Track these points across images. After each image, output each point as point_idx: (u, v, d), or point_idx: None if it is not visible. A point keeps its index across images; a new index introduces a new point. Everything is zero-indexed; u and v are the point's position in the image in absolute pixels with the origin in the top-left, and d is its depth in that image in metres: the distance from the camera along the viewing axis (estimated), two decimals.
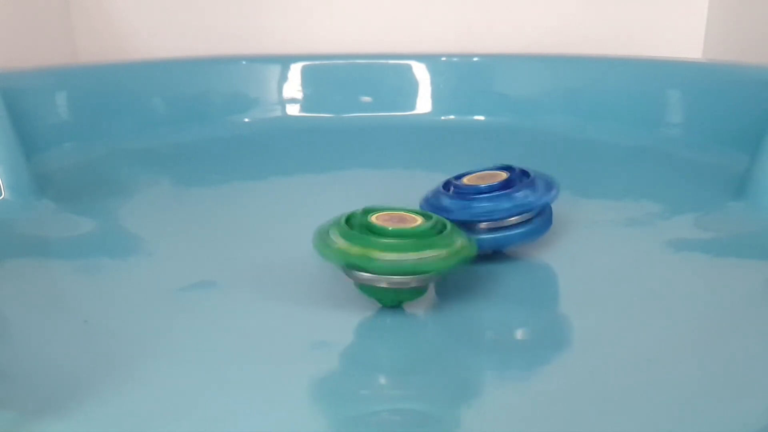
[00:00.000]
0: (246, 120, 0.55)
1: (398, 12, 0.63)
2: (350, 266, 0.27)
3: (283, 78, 0.56)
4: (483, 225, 0.32)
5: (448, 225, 0.28)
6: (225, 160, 0.51)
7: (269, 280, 0.32)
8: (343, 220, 0.28)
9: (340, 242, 0.26)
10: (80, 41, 0.62)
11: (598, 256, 0.35)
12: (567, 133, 0.53)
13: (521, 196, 0.32)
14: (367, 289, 0.28)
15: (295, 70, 0.56)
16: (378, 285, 0.27)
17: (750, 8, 0.56)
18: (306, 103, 0.56)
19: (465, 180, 0.34)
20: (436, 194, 0.33)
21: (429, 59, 0.57)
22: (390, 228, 0.27)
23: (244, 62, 0.57)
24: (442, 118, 0.56)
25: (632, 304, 0.29)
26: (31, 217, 0.39)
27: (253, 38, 0.62)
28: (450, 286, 0.31)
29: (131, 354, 0.26)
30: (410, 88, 0.57)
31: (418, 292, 0.28)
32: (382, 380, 0.25)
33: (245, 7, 0.62)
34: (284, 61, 0.57)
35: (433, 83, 0.56)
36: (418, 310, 0.29)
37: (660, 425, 0.22)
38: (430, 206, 0.33)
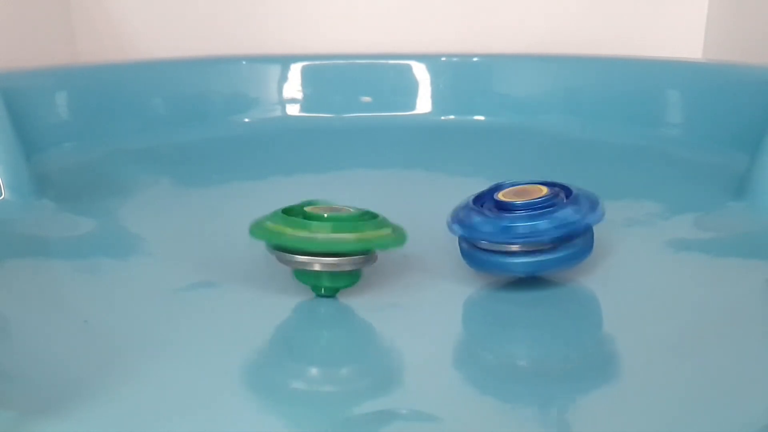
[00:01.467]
0: (246, 120, 0.55)
1: (398, 12, 0.63)
2: (285, 247, 0.27)
3: (283, 78, 0.56)
4: (518, 247, 0.29)
5: (379, 215, 0.29)
6: (225, 160, 0.51)
7: (269, 280, 0.32)
8: (279, 212, 0.28)
9: (276, 226, 0.27)
10: (80, 41, 0.62)
11: (597, 255, 0.34)
12: (567, 133, 0.53)
13: (564, 215, 0.28)
14: (302, 274, 0.28)
15: (295, 70, 0.56)
16: (312, 268, 0.27)
17: (750, 8, 0.56)
18: (306, 103, 0.56)
19: (500, 195, 0.30)
20: (466, 210, 0.30)
21: (429, 59, 0.57)
22: (325, 215, 0.28)
23: (244, 62, 0.57)
24: (442, 118, 0.56)
25: (632, 304, 0.29)
26: (31, 217, 0.39)
27: (253, 38, 0.62)
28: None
29: (131, 354, 0.26)
30: (410, 88, 0.57)
31: (352, 276, 0.29)
32: (384, 381, 0.25)
33: (245, 7, 0.62)
34: (284, 61, 0.57)
35: (433, 83, 0.56)
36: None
37: (660, 425, 0.22)
38: (459, 224, 0.30)
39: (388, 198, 0.31)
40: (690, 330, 0.27)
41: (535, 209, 0.29)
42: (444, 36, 0.63)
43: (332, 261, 0.27)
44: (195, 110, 0.55)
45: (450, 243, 0.32)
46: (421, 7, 0.63)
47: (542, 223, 0.28)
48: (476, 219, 0.29)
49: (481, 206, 0.30)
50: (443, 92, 0.56)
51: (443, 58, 0.57)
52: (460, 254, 0.31)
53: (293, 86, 0.56)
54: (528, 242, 0.29)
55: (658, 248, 0.35)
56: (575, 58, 0.56)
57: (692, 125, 0.49)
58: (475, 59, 0.57)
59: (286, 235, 0.27)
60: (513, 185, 0.31)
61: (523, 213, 0.29)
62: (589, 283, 0.31)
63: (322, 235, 0.27)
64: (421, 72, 0.57)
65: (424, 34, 0.63)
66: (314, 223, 0.27)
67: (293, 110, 0.56)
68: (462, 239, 0.31)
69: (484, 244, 0.30)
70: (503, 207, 0.30)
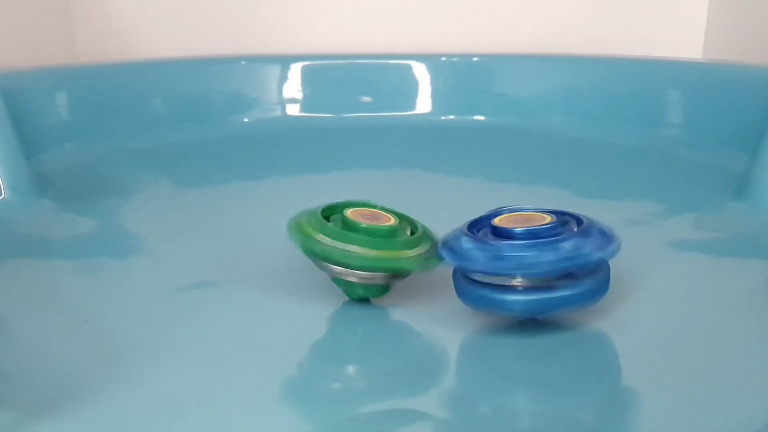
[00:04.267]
0: (246, 120, 0.55)
1: (398, 12, 0.63)
2: (325, 259, 0.27)
3: (283, 78, 0.56)
4: (518, 281, 0.25)
5: (419, 227, 0.29)
6: (225, 160, 0.51)
7: (269, 280, 0.32)
8: (319, 212, 0.28)
9: (318, 236, 0.27)
10: (80, 41, 0.62)
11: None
12: (567, 133, 0.53)
13: (570, 246, 0.24)
14: (338, 281, 0.29)
15: (295, 70, 0.56)
16: (347, 279, 0.28)
17: (750, 8, 0.56)
18: (306, 103, 0.56)
19: (497, 221, 0.26)
20: (458, 236, 0.26)
21: (429, 59, 0.57)
22: (363, 225, 0.28)
23: (244, 62, 0.57)
24: (442, 118, 0.56)
25: (632, 304, 0.29)
26: (31, 217, 0.39)
27: (253, 38, 0.62)
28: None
29: (131, 354, 0.26)
30: (410, 88, 0.57)
31: (383, 288, 0.29)
32: (385, 383, 0.25)
33: (245, 7, 0.62)
34: (284, 61, 0.57)
35: (433, 83, 0.56)
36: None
37: (660, 425, 0.22)
38: (449, 251, 0.26)
39: (388, 198, 0.31)
40: (690, 330, 0.27)
41: (537, 237, 0.25)
42: (444, 36, 0.63)
43: (367, 275, 0.27)
44: (195, 110, 0.55)
45: None
46: (421, 7, 0.63)
47: (546, 254, 0.24)
48: (468, 245, 0.25)
49: (477, 232, 0.27)
50: (443, 92, 0.56)
51: (443, 58, 0.57)
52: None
53: (293, 86, 0.56)
54: (529, 276, 0.25)
55: (658, 248, 0.35)
56: (575, 58, 0.56)
57: (692, 125, 0.49)
58: (475, 59, 0.57)
59: (322, 245, 0.27)
60: (514, 211, 0.27)
61: (523, 241, 0.25)
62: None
63: (357, 249, 0.27)
64: (421, 72, 0.57)
65: (424, 34, 0.63)
66: (352, 235, 0.27)
67: (293, 110, 0.56)
68: (456, 272, 0.27)
69: (480, 276, 0.26)
70: (501, 234, 0.26)
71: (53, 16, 0.60)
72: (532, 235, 0.25)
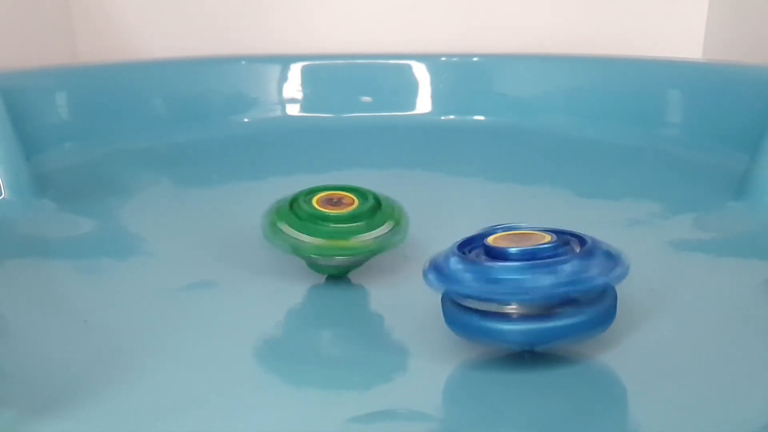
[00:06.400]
0: (246, 120, 0.55)
1: (398, 12, 0.63)
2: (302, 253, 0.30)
3: (283, 78, 0.56)
4: (513, 308, 0.23)
5: (383, 205, 0.30)
6: (225, 160, 0.51)
7: (269, 280, 0.32)
8: (287, 207, 0.30)
9: (291, 232, 0.29)
10: (80, 41, 0.62)
11: None
12: (567, 133, 0.53)
13: (571, 269, 0.22)
14: (316, 267, 0.31)
15: (295, 70, 0.56)
16: (328, 264, 0.31)
17: (750, 8, 0.56)
18: (306, 103, 0.56)
19: (491, 240, 0.24)
20: (445, 257, 0.24)
21: (429, 59, 0.57)
22: (331, 213, 0.29)
23: (244, 62, 0.57)
24: (442, 118, 0.56)
25: (632, 304, 0.29)
26: (31, 217, 0.39)
27: (253, 38, 0.62)
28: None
29: (131, 354, 0.26)
30: (410, 88, 0.56)
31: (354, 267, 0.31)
32: (386, 384, 0.25)
33: (245, 7, 0.62)
34: (284, 61, 0.57)
35: (433, 83, 0.56)
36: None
37: (660, 424, 0.22)
38: (436, 273, 0.24)
39: None
40: (690, 330, 0.27)
41: (535, 258, 0.22)
42: (444, 36, 0.63)
43: (343, 259, 0.30)
44: (195, 110, 0.55)
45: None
46: (421, 7, 0.63)
47: (544, 277, 0.22)
48: (457, 267, 0.23)
49: (468, 253, 0.24)
50: (443, 92, 0.56)
51: (443, 58, 0.57)
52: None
53: (293, 86, 0.56)
54: (524, 302, 0.22)
55: (658, 248, 0.35)
56: (575, 58, 0.56)
57: (692, 125, 0.49)
58: (475, 59, 0.57)
59: (306, 244, 0.29)
60: (510, 229, 0.25)
61: (519, 263, 0.22)
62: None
63: (310, 239, 0.29)
64: (421, 72, 0.56)
65: (424, 34, 0.63)
66: (327, 228, 0.29)
67: (293, 110, 0.56)
68: (445, 297, 0.24)
69: (470, 302, 0.23)
70: (495, 254, 0.23)
71: (53, 16, 0.60)
72: (528, 255, 0.23)
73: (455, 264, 0.23)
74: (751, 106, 0.45)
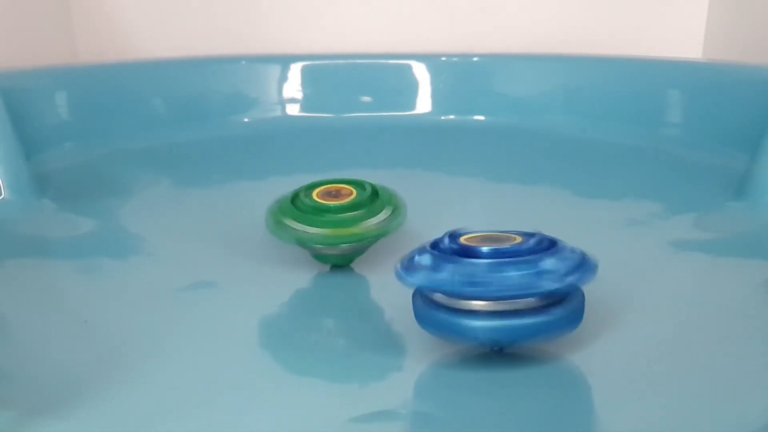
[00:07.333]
0: (246, 120, 0.55)
1: (398, 12, 0.63)
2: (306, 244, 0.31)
3: (283, 78, 0.56)
4: (482, 305, 0.23)
5: (381, 194, 0.32)
6: (225, 160, 0.51)
7: (269, 279, 0.32)
8: (288, 202, 0.31)
9: (296, 225, 0.30)
10: (80, 41, 0.62)
11: (597, 255, 0.34)
12: (567, 133, 0.53)
13: (539, 269, 0.23)
14: (322, 257, 0.32)
15: (295, 70, 0.56)
16: (333, 253, 0.32)
17: (750, 8, 0.56)
18: (306, 103, 0.56)
19: (463, 239, 0.25)
20: (417, 252, 0.24)
21: (429, 59, 0.57)
22: (333, 204, 0.31)
23: (244, 62, 0.57)
24: (442, 118, 0.56)
25: (632, 304, 0.29)
26: (31, 217, 0.39)
27: (253, 38, 0.62)
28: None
29: (131, 354, 0.26)
30: (410, 88, 0.57)
31: (358, 254, 0.32)
32: (386, 386, 0.25)
33: (245, 7, 0.62)
34: (284, 61, 0.57)
35: (433, 83, 0.56)
36: None
37: (660, 425, 0.22)
38: (405, 269, 0.24)
39: None
40: (690, 330, 0.27)
41: (506, 257, 0.23)
42: (444, 36, 0.63)
43: (347, 246, 0.31)
44: (195, 110, 0.55)
45: None
46: (421, 7, 0.63)
47: (513, 275, 0.22)
48: (427, 263, 0.23)
49: (440, 251, 0.25)
50: (443, 92, 0.56)
51: (443, 58, 0.57)
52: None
53: (293, 86, 0.56)
54: (493, 298, 0.23)
55: (658, 248, 0.35)
56: (575, 58, 0.56)
57: (692, 125, 0.49)
58: (475, 59, 0.57)
59: (312, 235, 0.30)
60: (479, 232, 0.25)
61: (490, 260, 0.23)
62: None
63: (317, 230, 0.30)
64: (421, 72, 0.57)
65: (424, 34, 0.63)
66: (330, 218, 0.30)
67: (293, 110, 0.56)
68: (416, 294, 0.25)
69: (440, 298, 0.24)
70: (466, 253, 0.24)
71: (53, 16, 0.60)
72: (499, 254, 0.23)
73: (426, 260, 0.24)
74: (751, 106, 0.45)
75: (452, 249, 0.24)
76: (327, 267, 0.33)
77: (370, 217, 0.31)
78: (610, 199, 0.42)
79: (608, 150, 0.50)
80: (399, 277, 0.24)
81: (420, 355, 0.25)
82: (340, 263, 0.33)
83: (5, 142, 0.41)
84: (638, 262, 0.34)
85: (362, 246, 0.32)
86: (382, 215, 0.31)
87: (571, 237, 0.35)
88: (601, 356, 0.26)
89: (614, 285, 0.31)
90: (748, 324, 0.28)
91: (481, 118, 0.56)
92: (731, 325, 0.28)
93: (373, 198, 0.32)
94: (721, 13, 0.60)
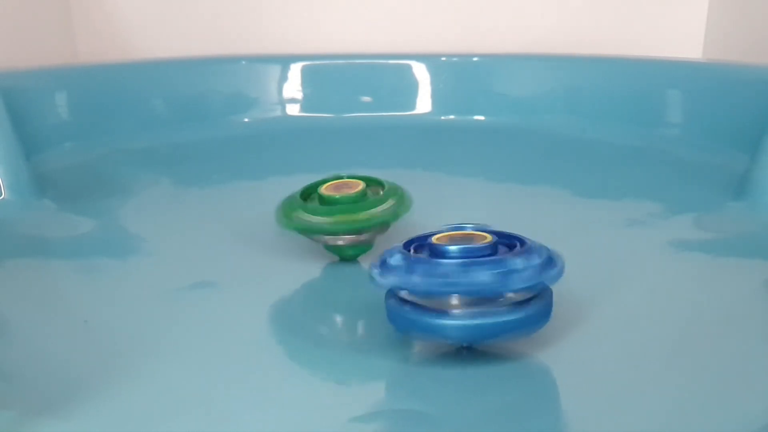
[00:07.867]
0: (246, 120, 0.55)
1: (398, 12, 0.63)
2: (312, 231, 0.32)
3: (283, 78, 0.56)
4: (452, 304, 0.24)
5: (386, 185, 0.33)
6: (225, 160, 0.51)
7: (269, 279, 0.32)
8: (298, 196, 0.33)
9: (306, 216, 0.31)
10: (80, 41, 0.62)
11: (597, 255, 0.35)
12: (567, 133, 0.53)
13: (505, 268, 0.23)
14: (332, 248, 0.33)
15: (295, 70, 0.56)
16: (336, 243, 0.32)
17: (750, 8, 0.56)
18: (306, 103, 0.56)
19: (434, 239, 0.25)
20: (389, 253, 0.25)
21: (429, 59, 0.57)
22: (336, 196, 0.32)
23: (244, 62, 0.57)
24: (442, 118, 0.56)
25: (632, 305, 0.29)
26: (31, 217, 0.39)
27: (253, 38, 0.62)
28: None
29: (131, 354, 0.26)
30: (410, 88, 0.57)
31: (368, 246, 0.33)
32: (386, 387, 0.25)
33: (245, 7, 0.62)
34: (284, 61, 0.57)
35: (433, 83, 0.56)
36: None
37: (660, 425, 0.22)
38: (377, 268, 0.25)
39: None
40: (690, 330, 0.27)
41: (472, 256, 0.24)
42: (444, 36, 0.63)
43: (352, 237, 0.32)
44: (195, 110, 0.55)
45: None
46: (421, 7, 0.63)
47: (480, 274, 0.23)
48: (398, 263, 0.24)
49: (413, 250, 0.25)
50: (443, 92, 0.56)
51: (443, 58, 0.57)
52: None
53: (293, 86, 0.56)
54: (463, 296, 0.23)
55: (658, 248, 0.35)
56: (575, 58, 0.56)
57: (692, 125, 0.49)
58: (475, 59, 0.57)
59: (322, 224, 0.31)
60: (455, 230, 0.26)
61: (457, 260, 0.24)
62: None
63: (331, 219, 0.31)
64: (421, 72, 0.57)
65: (424, 34, 0.63)
66: (325, 208, 0.32)
67: (293, 110, 0.56)
68: (389, 293, 0.25)
69: (410, 297, 0.24)
70: (437, 253, 0.24)
71: (53, 16, 0.60)
72: (467, 253, 0.24)
73: (397, 260, 0.24)
74: (751, 106, 0.45)
75: (425, 249, 0.25)
76: (327, 263, 0.33)
77: (376, 206, 0.32)
78: (610, 199, 0.42)
79: (608, 150, 0.50)
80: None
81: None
82: (349, 256, 0.33)
83: (5, 142, 0.41)
84: (638, 262, 0.34)
85: (370, 236, 0.32)
86: (388, 203, 0.32)
87: (571, 237, 0.35)
88: (601, 356, 0.26)
89: (614, 285, 0.31)
90: (748, 324, 0.28)
91: (481, 118, 0.56)
92: (731, 325, 0.28)
93: (378, 189, 0.33)
94: (721, 13, 0.60)
